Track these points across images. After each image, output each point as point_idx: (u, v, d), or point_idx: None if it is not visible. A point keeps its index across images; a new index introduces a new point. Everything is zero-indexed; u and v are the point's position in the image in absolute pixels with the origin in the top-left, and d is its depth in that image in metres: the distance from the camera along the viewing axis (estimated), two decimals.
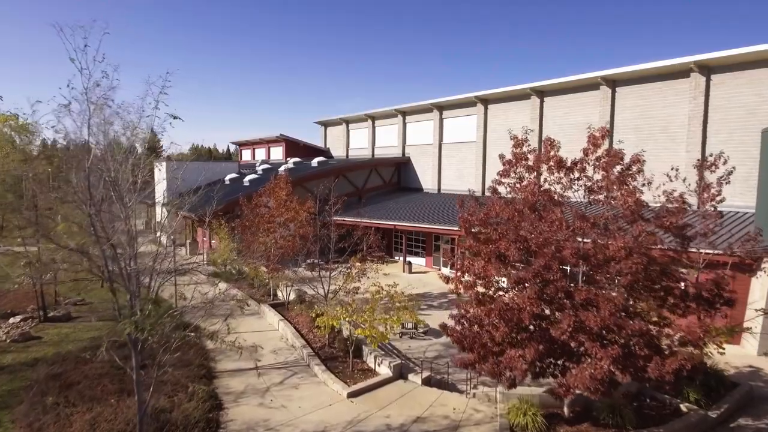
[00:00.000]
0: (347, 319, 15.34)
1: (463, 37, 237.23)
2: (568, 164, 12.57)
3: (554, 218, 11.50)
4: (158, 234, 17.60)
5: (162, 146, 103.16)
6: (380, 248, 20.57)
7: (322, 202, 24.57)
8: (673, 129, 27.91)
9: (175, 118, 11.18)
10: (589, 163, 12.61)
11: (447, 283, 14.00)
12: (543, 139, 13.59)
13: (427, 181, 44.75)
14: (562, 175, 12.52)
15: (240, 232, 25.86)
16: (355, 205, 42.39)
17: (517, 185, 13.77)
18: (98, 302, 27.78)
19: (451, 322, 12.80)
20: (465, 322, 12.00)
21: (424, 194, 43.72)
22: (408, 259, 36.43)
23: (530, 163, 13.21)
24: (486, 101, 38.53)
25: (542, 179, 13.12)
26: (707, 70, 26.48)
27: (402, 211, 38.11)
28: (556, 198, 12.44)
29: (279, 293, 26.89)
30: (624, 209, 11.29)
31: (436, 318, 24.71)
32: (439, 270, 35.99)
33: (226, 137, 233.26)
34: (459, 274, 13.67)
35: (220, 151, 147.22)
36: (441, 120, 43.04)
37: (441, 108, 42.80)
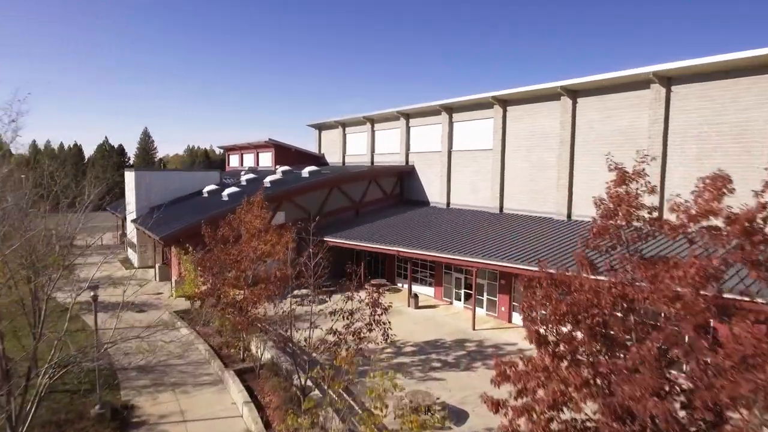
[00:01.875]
0: None
1: (463, 37, 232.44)
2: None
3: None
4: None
5: (156, 148, 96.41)
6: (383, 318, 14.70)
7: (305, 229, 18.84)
8: (749, 138, 22.22)
9: None
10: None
11: (496, 411, 8.29)
12: (709, 176, 7.46)
13: (434, 193, 39.04)
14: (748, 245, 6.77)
15: (201, 273, 20.12)
16: (351, 222, 36.74)
17: (618, 244, 8.11)
18: None
19: None
20: None
21: (431, 209, 38.02)
22: (413, 288, 30.71)
23: (682, 216, 7.44)
24: (505, 102, 32.83)
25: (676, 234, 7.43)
26: None
27: (406, 231, 32.40)
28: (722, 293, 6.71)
29: (252, 346, 21.14)
30: None
31: (453, 385, 18.96)
32: (450, 303, 30.28)
33: (225, 137, 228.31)
34: (517, 399, 8.00)
35: (218, 152, 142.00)
36: (450, 124, 37.33)
37: (450, 110, 37.10)
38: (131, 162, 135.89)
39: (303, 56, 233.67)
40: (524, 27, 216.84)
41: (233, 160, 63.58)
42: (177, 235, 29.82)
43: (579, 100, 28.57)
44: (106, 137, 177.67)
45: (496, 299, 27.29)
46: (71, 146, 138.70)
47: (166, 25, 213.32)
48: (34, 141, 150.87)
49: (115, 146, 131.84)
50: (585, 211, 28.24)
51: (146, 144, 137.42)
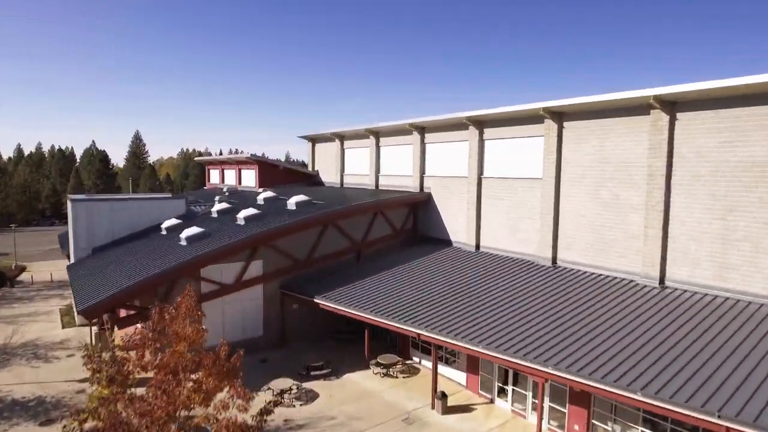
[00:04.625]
0: None
1: (463, 37, 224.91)
2: None
3: None
4: None
5: (147, 152, 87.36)
6: None
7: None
8: None
9: None
10: None
11: None
12: None
13: (459, 231, 30.31)
14: None
15: None
16: (350, 271, 28.04)
17: None
18: None
19: None
20: None
21: (454, 252, 29.28)
22: (438, 374, 21.88)
23: None
24: (561, 116, 24.11)
25: None
26: None
27: (428, 292, 23.65)
28: None
29: None
30: None
31: None
32: (491, 401, 21.50)
33: (225, 137, 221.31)
34: None
35: (215, 154, 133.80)
36: (481, 142, 28.61)
37: (481, 124, 28.39)
38: (120, 168, 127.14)
39: (303, 56, 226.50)
40: (524, 27, 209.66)
41: (213, 176, 54.87)
42: (103, 306, 21.12)
43: (679, 115, 19.84)
44: (93, 141, 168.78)
45: (565, 411, 18.58)
46: (61, 148, 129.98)
47: (166, 25, 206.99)
48: (19, 145, 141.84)
49: (109, 150, 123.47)
50: (688, 275, 19.55)
51: (137, 147, 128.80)
